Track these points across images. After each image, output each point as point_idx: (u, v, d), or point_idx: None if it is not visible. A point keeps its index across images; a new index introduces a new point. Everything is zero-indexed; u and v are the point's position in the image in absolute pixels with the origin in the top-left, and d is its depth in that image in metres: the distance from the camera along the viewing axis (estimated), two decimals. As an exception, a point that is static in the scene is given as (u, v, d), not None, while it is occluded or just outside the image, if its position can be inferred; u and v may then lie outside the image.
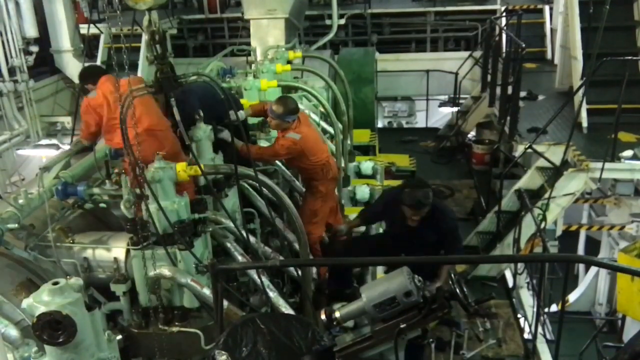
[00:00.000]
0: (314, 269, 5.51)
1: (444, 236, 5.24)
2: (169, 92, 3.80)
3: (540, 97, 10.58)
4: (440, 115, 15.83)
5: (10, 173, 11.71)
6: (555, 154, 8.03)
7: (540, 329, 7.12)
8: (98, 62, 12.27)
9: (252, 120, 6.37)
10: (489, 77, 11.05)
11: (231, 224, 4.42)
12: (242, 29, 12.08)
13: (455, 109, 13.49)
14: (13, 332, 3.57)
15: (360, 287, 3.86)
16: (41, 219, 4.29)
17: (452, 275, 4.40)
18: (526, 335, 7.44)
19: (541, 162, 8.26)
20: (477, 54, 12.90)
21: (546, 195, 7.81)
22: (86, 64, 5.37)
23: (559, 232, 8.73)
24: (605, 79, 8.39)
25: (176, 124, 4.09)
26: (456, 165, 12.28)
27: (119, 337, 3.72)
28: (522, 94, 9.67)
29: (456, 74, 13.01)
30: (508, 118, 8.91)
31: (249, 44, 9.76)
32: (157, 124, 4.48)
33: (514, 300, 8.15)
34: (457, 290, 4.27)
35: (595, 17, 8.40)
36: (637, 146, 7.81)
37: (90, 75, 4.87)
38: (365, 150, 10.31)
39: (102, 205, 4.50)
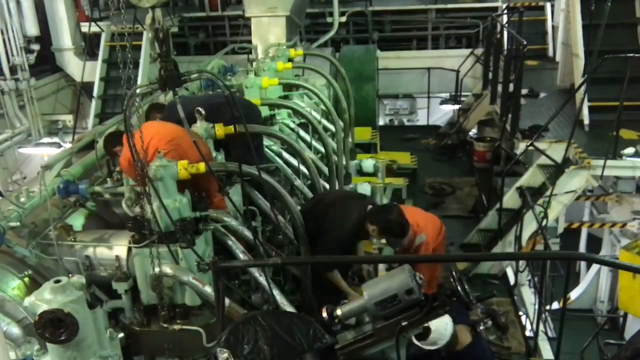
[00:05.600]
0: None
1: None
2: (173, 89, 3.79)
3: (542, 95, 10.57)
4: (442, 113, 15.81)
5: (11, 171, 11.73)
6: (556, 152, 8.02)
7: (541, 327, 7.13)
8: (99, 61, 12.29)
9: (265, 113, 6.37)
10: (490, 75, 11.02)
11: (234, 222, 4.42)
12: (243, 27, 12.07)
13: (457, 106, 13.49)
14: (15, 330, 3.58)
15: (362, 285, 3.86)
16: (43, 217, 4.30)
17: (454, 272, 4.40)
18: (528, 333, 7.44)
19: (543, 160, 8.25)
20: (479, 51, 12.89)
21: (548, 193, 7.80)
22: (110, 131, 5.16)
23: (560, 230, 8.72)
24: (606, 76, 8.35)
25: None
26: (457, 163, 12.27)
27: (121, 335, 3.72)
28: (524, 91, 9.65)
29: (457, 71, 13.02)
30: (509, 115, 8.90)
31: (250, 41, 9.75)
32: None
33: (515, 297, 8.15)
34: (459, 288, 4.27)
35: (596, 14, 8.37)
36: (639, 143, 7.79)
37: (116, 140, 4.66)
38: (367, 148, 10.31)
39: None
